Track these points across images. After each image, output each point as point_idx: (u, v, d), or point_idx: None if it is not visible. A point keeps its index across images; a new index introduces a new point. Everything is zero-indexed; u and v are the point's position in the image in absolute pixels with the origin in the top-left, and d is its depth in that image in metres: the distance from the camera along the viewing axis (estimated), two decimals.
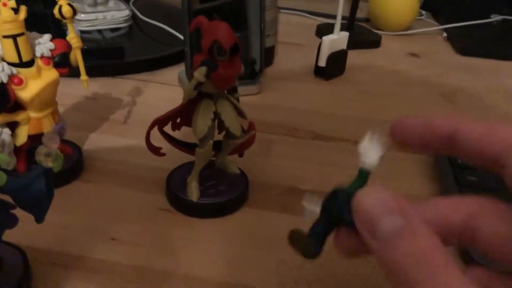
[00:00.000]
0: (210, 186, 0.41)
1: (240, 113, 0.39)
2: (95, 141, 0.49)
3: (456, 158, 0.44)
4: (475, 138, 0.21)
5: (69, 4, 0.39)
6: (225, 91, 0.38)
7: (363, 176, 0.22)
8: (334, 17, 0.98)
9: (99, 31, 0.72)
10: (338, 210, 0.22)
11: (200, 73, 0.33)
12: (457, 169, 0.43)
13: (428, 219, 0.22)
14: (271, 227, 0.39)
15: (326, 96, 0.63)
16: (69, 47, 0.40)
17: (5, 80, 0.36)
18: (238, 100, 0.40)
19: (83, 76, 0.42)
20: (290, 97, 0.62)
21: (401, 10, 0.88)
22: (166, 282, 0.33)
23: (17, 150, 0.40)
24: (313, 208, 0.23)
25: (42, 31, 0.40)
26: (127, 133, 0.51)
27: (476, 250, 0.21)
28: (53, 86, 0.40)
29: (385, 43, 0.85)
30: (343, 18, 0.96)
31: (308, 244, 0.23)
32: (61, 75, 0.40)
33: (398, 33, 0.89)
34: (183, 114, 0.39)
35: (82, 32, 0.70)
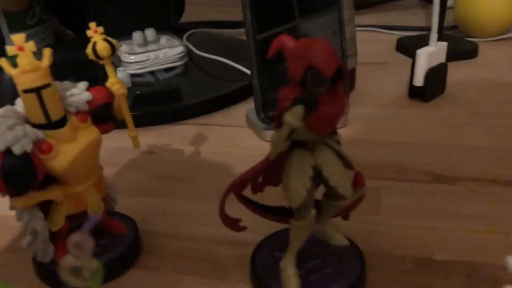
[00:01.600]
0: (312, 269, 0.29)
1: (346, 163, 0.28)
2: (155, 209, 0.39)
3: None
4: None
5: (106, 40, 0.29)
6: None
7: None
8: (411, 29, 0.86)
9: (152, 72, 0.63)
10: None
11: (295, 116, 0.22)
12: None
13: None
14: None
15: (431, 122, 0.50)
16: (111, 95, 0.31)
17: (28, 148, 0.26)
18: (339, 143, 0.28)
19: (132, 132, 0.32)
20: (385, 127, 0.50)
21: (496, 12, 0.74)
22: None
23: (54, 236, 0.31)
24: None
25: (90, 82, 0.31)
26: (193, 194, 0.41)
27: None
28: (94, 148, 0.30)
29: (482, 51, 0.71)
30: (424, 29, 0.84)
31: None
32: (103, 132, 0.31)
33: (495, 38, 0.76)
34: (266, 171, 0.28)
35: (133, 75, 0.62)
